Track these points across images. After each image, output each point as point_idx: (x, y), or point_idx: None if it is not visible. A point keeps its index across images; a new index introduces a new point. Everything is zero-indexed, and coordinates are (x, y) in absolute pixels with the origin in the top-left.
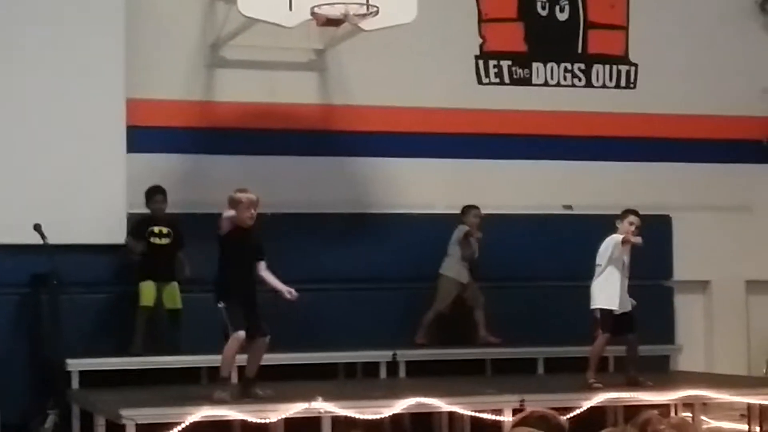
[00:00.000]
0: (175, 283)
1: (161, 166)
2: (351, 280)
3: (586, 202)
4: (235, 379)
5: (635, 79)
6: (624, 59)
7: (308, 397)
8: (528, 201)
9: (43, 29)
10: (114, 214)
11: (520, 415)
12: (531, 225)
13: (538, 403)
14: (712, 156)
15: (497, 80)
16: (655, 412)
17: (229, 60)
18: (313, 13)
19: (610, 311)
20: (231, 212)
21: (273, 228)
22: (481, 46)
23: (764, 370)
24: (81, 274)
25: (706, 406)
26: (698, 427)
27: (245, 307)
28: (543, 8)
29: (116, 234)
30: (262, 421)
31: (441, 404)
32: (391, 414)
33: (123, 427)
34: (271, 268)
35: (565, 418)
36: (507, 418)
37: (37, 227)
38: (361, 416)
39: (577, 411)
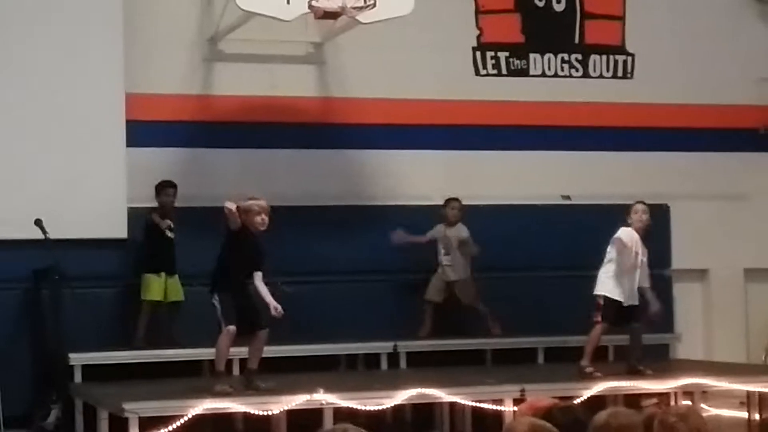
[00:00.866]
0: (176, 276)
1: (161, 160)
2: (351, 272)
3: (585, 192)
4: (236, 372)
5: (632, 69)
6: (621, 49)
7: (310, 389)
8: (527, 191)
9: (41, 25)
10: (114, 209)
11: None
12: (530, 215)
13: (538, 392)
14: (709, 145)
15: (495, 71)
16: (654, 400)
17: (227, 54)
18: (310, 6)
19: (614, 301)
20: (232, 204)
21: (273, 221)
22: (478, 38)
23: (763, 358)
24: (82, 269)
25: (705, 394)
26: (703, 415)
27: (241, 301)
28: None
29: (117, 228)
30: (265, 413)
31: (442, 395)
32: (392, 405)
33: (126, 420)
34: (271, 260)
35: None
36: (508, 408)
37: (38, 222)
38: (363, 407)
39: (578, 400)
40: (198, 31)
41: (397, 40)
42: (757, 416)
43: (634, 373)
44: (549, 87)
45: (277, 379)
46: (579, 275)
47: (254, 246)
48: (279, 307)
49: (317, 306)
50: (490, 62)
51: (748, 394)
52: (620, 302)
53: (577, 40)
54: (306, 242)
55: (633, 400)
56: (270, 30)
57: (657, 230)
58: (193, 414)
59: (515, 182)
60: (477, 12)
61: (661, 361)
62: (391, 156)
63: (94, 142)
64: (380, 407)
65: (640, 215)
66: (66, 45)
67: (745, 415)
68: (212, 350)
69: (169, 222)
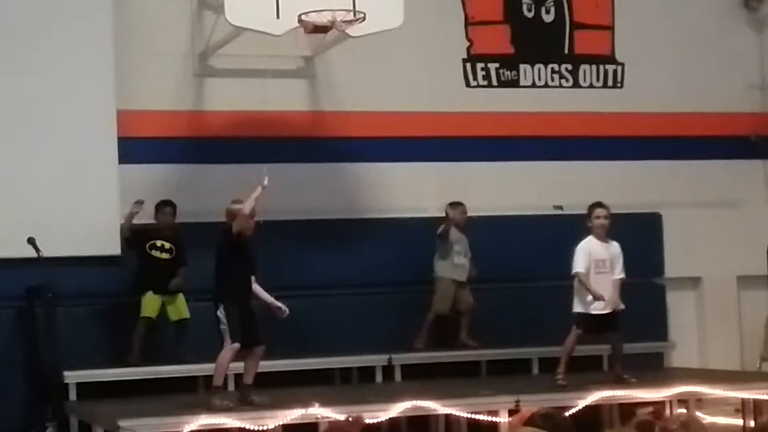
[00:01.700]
0: (181, 295)
1: (153, 177)
2: (345, 285)
3: (577, 202)
4: (232, 387)
5: (622, 78)
6: (610, 59)
7: (305, 403)
8: (519, 202)
9: (32, 41)
10: (107, 226)
11: (522, 414)
12: (522, 226)
13: (533, 403)
14: (700, 153)
15: (485, 83)
16: (650, 409)
17: (218, 69)
18: (300, 21)
19: (583, 314)
20: (238, 206)
21: (266, 235)
22: (468, 49)
23: (758, 365)
24: (76, 286)
25: (700, 402)
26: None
27: (244, 315)
28: (529, 10)
29: (110, 245)
30: (260, 428)
31: (437, 407)
32: (388, 418)
33: None
34: (265, 274)
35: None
36: (503, 419)
37: (31, 240)
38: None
39: (573, 410)
40: (189, 46)
41: (387, 53)
42: (752, 423)
43: (619, 381)
44: (539, 97)
45: (272, 393)
46: (571, 285)
47: (249, 249)
48: (283, 306)
49: (311, 320)
50: (480, 74)
51: (743, 401)
52: (590, 313)
53: (566, 51)
54: (299, 256)
55: (628, 409)
56: (260, 45)
57: (650, 239)
58: (189, 430)
59: (507, 193)
60: (467, 24)
61: (655, 370)
62: (383, 169)
63: (86, 160)
64: (376, 420)
65: (595, 216)
66: (57, 63)
67: (740, 422)
68: (207, 366)
69: (126, 232)
